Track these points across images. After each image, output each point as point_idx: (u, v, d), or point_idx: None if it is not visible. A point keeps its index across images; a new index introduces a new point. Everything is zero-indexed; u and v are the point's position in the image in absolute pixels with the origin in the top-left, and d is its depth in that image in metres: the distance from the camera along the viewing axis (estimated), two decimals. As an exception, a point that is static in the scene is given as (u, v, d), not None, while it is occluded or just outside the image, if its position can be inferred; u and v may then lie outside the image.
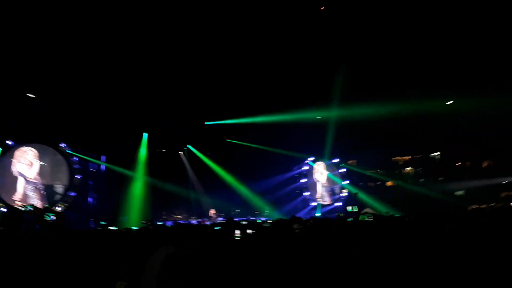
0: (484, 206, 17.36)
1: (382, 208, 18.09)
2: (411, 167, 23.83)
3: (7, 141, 15.88)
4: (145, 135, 19.53)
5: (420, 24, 13.32)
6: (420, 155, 23.38)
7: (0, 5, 10.75)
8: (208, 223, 16.04)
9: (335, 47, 14.53)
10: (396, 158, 24.19)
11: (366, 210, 14.66)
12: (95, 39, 12.89)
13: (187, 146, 20.75)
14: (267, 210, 20.05)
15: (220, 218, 17.52)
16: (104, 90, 15.60)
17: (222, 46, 13.84)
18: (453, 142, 20.45)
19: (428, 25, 13.35)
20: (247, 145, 20.77)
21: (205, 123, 19.75)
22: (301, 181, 22.96)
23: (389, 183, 23.87)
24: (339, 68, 16.01)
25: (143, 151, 19.51)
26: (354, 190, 20.23)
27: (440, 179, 22.00)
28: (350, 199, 21.77)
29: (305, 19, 13.07)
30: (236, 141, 20.91)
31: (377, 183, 24.03)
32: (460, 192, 20.91)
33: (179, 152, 21.05)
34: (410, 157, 23.82)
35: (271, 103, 17.91)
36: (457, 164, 22.51)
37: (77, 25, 12.08)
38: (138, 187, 18.62)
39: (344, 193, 23.71)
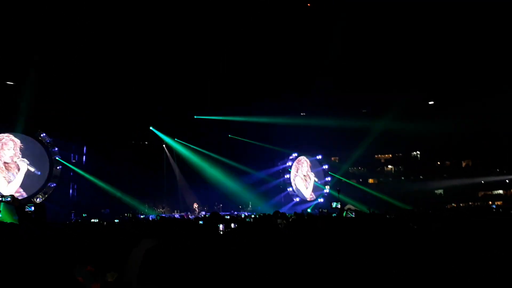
0: (462, 204, 17.78)
1: (363, 206, 18.34)
2: (393, 165, 24.25)
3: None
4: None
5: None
6: (401, 154, 23.80)
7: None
8: (191, 217, 15.98)
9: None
10: (378, 156, 24.56)
11: (349, 206, 14.82)
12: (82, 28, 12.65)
13: (175, 139, 20.57)
14: (250, 205, 20.08)
15: (203, 212, 17.46)
16: (88, 79, 15.33)
17: (210, 43, 13.76)
18: (434, 141, 20.86)
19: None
20: (234, 138, 20.77)
21: (195, 117, 19.63)
22: (285, 176, 23.05)
23: (371, 181, 24.22)
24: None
25: (126, 143, 19.29)
26: (336, 187, 20.44)
27: (420, 177, 22.44)
28: (333, 196, 21.99)
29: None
30: (227, 135, 20.87)
31: (360, 180, 24.36)
32: (439, 191, 21.37)
33: (163, 145, 20.86)
34: (391, 155, 24.21)
35: (259, 99, 17.94)
36: (437, 163, 22.99)
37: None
38: (120, 179, 18.36)
39: (327, 189, 23.93)
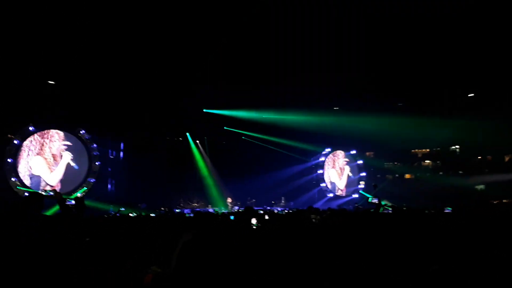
0: (505, 200, 16.99)
1: (400, 201, 17.91)
2: (430, 160, 23.49)
3: (29, 127, 16.18)
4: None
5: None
6: (439, 148, 23.01)
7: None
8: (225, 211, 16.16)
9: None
10: (415, 150, 23.86)
11: (385, 202, 14.53)
12: (110, 32, 12.99)
13: (205, 137, 20.85)
14: (283, 201, 20.06)
15: (236, 207, 17.60)
16: (124, 78, 15.73)
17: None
18: (473, 135, 20.03)
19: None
20: (263, 138, 20.71)
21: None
22: (318, 172, 22.86)
23: (407, 176, 23.61)
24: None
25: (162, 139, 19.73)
26: (372, 182, 20.07)
27: (460, 172, 21.63)
28: (368, 191, 21.60)
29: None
30: (252, 133, 20.86)
31: (395, 175, 23.79)
32: (480, 186, 20.52)
33: (197, 141, 21.17)
34: (429, 150, 23.46)
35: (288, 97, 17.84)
36: (477, 158, 22.07)
37: (96, 14, 12.17)
38: (156, 175, 18.81)
39: (361, 185, 23.56)
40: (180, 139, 20.90)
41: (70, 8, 11.82)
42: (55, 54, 14.06)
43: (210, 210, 16.78)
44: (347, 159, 23.98)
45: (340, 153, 23.79)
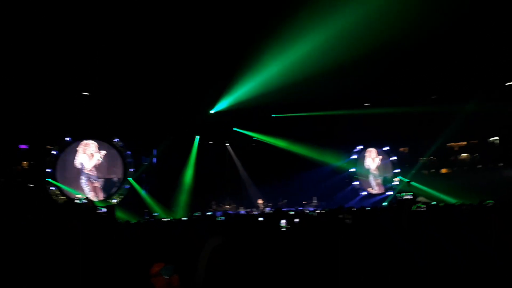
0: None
1: (436, 197, 17.38)
2: (468, 153, 22.64)
3: (66, 138, 16.83)
4: (197, 138, 20.05)
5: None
6: (477, 141, 22.14)
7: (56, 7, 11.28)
8: (256, 213, 16.17)
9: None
10: (451, 144, 23.07)
11: (420, 199, 14.11)
12: (143, 40, 13.26)
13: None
14: (315, 201, 19.87)
15: (268, 209, 17.59)
16: (155, 86, 16.07)
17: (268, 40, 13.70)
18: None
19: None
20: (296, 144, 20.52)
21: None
22: (350, 170, 22.50)
23: (444, 171, 22.86)
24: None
25: (195, 144, 20.03)
26: (406, 179, 19.57)
27: (499, 165, 20.72)
28: (402, 188, 21.08)
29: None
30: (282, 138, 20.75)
31: (431, 170, 23.08)
32: (523, 179, 19.58)
33: (226, 144, 21.34)
34: (466, 142, 22.61)
35: (319, 97, 17.63)
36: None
37: (130, 23, 12.46)
38: (188, 179, 19.13)
39: (396, 182, 22.99)
40: (210, 142, 21.12)
41: (102, 23, 12.20)
42: (88, 67, 14.57)
43: (242, 212, 16.85)
44: (380, 156, 23.51)
45: (372, 150, 23.34)
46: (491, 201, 6.20)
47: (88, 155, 17.38)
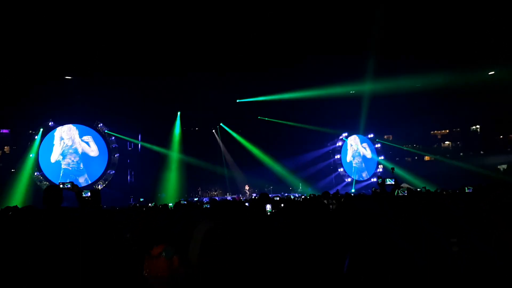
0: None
1: (419, 184, 17.69)
2: (450, 141, 23.06)
3: (49, 123, 16.56)
4: (179, 113, 19.83)
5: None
6: (459, 129, 22.56)
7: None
8: (243, 199, 16.26)
9: (366, 16, 14.00)
10: (434, 132, 23.46)
11: (403, 185, 14.35)
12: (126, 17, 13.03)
13: (220, 124, 20.92)
14: (301, 187, 20.06)
15: (254, 194, 17.69)
16: (139, 70, 15.85)
17: (251, 23, 13.66)
18: (495, 114, 19.53)
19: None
20: (280, 122, 20.65)
21: (237, 100, 19.79)
22: (335, 157, 22.72)
23: (427, 158, 23.27)
24: (372, 39, 15.42)
25: (177, 130, 19.86)
26: (389, 165, 19.84)
27: (481, 153, 21.19)
28: (386, 175, 21.40)
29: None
30: (268, 118, 20.83)
31: (415, 158, 23.47)
32: (503, 166, 20.07)
33: (212, 130, 21.28)
34: (448, 130, 23.02)
35: (304, 78, 17.65)
36: (499, 137, 21.57)
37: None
38: (173, 165, 19.06)
39: (380, 168, 23.36)
40: (196, 128, 21.04)
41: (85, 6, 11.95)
42: (71, 50, 14.28)
43: (229, 198, 16.91)
44: (365, 143, 23.78)
45: (355, 137, 23.58)
46: (470, 187, 6.36)
47: (69, 140, 17.07)
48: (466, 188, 6.22)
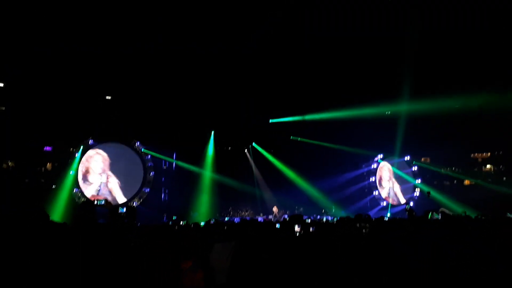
0: None
1: (458, 209, 16.93)
2: (492, 164, 22.06)
3: (89, 141, 17.20)
4: (212, 132, 20.14)
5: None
6: (502, 152, 21.56)
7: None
8: (274, 220, 16.11)
9: (401, 35, 13.83)
10: (475, 155, 22.55)
11: (442, 209, 13.79)
12: (164, 42, 13.51)
13: (252, 144, 21.02)
14: (334, 209, 19.66)
15: (285, 215, 17.49)
16: (174, 90, 16.31)
17: (284, 42, 13.81)
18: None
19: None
20: (313, 143, 20.51)
21: (270, 121, 19.88)
22: (370, 179, 22.20)
23: (467, 182, 22.32)
24: (409, 59, 15.16)
25: (210, 149, 20.13)
26: (426, 189, 19.19)
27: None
28: (423, 199, 20.71)
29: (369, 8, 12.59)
30: (301, 139, 20.75)
31: (454, 182, 22.57)
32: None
33: (245, 150, 21.41)
34: (490, 153, 22.05)
35: (338, 98, 17.55)
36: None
37: (147, 26, 12.73)
38: (206, 184, 19.25)
39: (417, 192, 22.59)
40: (229, 148, 21.24)
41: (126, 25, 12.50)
42: (111, 70, 14.92)
43: (260, 219, 16.80)
44: (397, 168, 23.12)
45: (392, 161, 23.00)
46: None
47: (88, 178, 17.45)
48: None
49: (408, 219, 6.13)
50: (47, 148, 17.42)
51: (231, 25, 13.16)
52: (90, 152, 17.43)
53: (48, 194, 15.89)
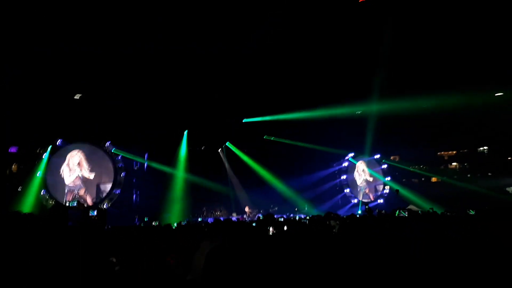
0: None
1: (426, 206, 17.49)
2: (457, 162, 22.90)
3: (57, 142, 16.71)
4: (185, 132, 19.97)
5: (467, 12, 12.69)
6: (466, 150, 22.42)
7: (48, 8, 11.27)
8: (247, 219, 16.17)
9: (374, 37, 14.13)
10: (441, 153, 23.33)
11: (410, 207, 14.21)
12: (137, 39, 13.26)
13: (226, 143, 20.99)
14: (306, 208, 19.91)
15: (259, 215, 17.58)
16: (145, 89, 16.05)
17: (258, 42, 13.84)
18: (503, 135, 19.41)
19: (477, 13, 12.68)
20: (285, 142, 20.70)
21: (243, 120, 19.91)
22: (341, 177, 22.60)
23: (434, 179, 23.07)
24: (379, 60, 15.52)
25: (183, 149, 19.96)
26: (395, 187, 19.72)
27: (489, 174, 20.97)
28: (392, 196, 21.25)
29: (342, 10, 12.79)
30: (274, 138, 20.90)
31: (422, 179, 23.28)
32: (511, 188, 19.83)
33: (218, 150, 21.35)
34: (456, 152, 22.89)
35: (309, 98, 17.74)
36: (507, 159, 21.39)
37: (119, 24, 12.47)
38: (179, 184, 19.06)
39: (386, 190, 23.17)
40: (202, 148, 21.13)
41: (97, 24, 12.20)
42: (81, 69, 14.53)
43: (233, 218, 16.81)
44: (367, 166, 23.66)
45: (362, 160, 23.50)
46: (472, 211, 6.29)
47: (71, 168, 17.14)
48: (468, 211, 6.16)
49: (368, 217, 6.32)
50: (12, 149, 16.80)
51: (202, 25, 13.06)
52: (74, 152, 17.29)
53: (14, 197, 15.35)
